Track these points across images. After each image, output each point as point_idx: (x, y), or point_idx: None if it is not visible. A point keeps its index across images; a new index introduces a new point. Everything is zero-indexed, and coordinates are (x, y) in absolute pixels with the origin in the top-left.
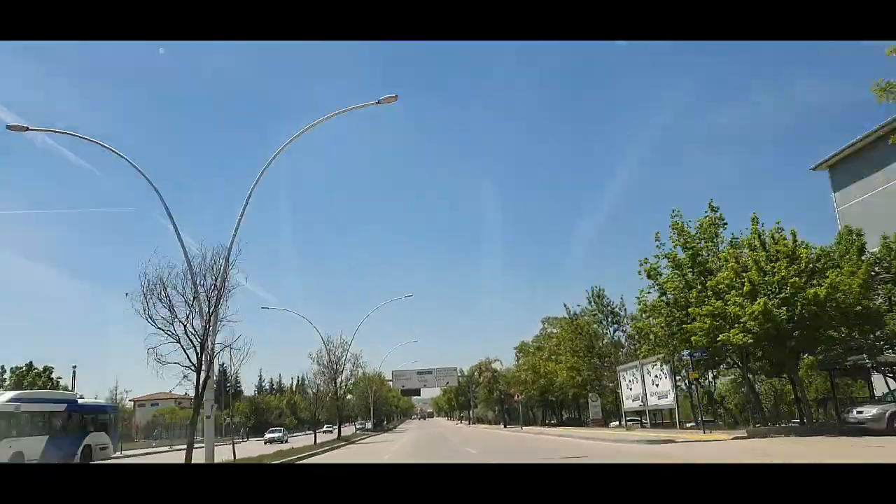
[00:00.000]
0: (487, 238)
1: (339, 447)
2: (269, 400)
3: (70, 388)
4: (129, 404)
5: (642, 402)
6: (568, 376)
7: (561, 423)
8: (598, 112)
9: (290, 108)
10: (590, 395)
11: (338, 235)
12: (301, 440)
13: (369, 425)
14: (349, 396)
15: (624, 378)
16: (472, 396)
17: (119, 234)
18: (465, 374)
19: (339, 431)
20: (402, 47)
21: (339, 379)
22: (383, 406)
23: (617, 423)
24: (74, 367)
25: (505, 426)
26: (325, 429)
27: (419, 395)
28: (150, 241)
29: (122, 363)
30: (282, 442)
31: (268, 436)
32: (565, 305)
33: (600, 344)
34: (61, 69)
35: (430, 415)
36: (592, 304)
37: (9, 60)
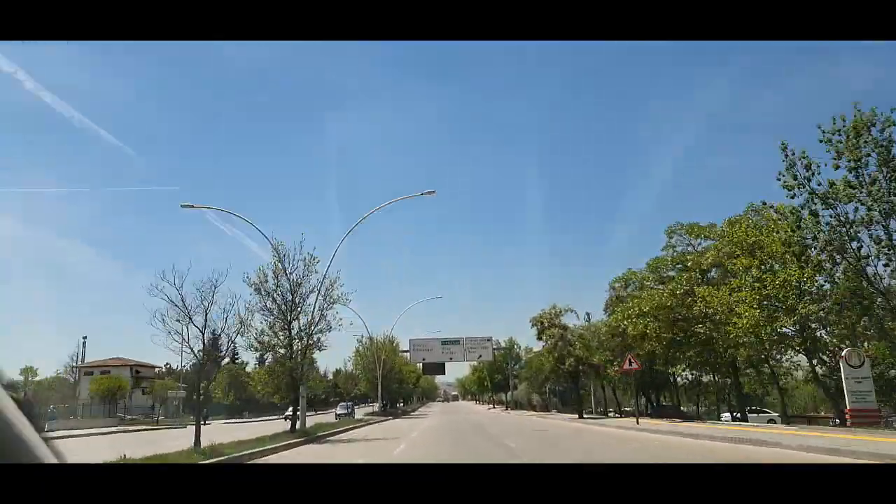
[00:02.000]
0: (530, 215)
1: (260, 454)
2: (255, 373)
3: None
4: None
5: None
6: (760, 316)
7: (659, 413)
8: (642, 97)
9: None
10: (850, 351)
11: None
12: (209, 433)
13: (375, 407)
14: (315, 359)
15: None
16: (511, 373)
17: (153, 214)
18: (503, 346)
19: (296, 420)
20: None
21: (299, 322)
22: (395, 383)
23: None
24: (84, 337)
25: (580, 416)
26: (287, 413)
27: (443, 372)
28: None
29: (138, 337)
30: None
31: None
32: (785, 152)
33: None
34: (88, 47)
35: (455, 398)
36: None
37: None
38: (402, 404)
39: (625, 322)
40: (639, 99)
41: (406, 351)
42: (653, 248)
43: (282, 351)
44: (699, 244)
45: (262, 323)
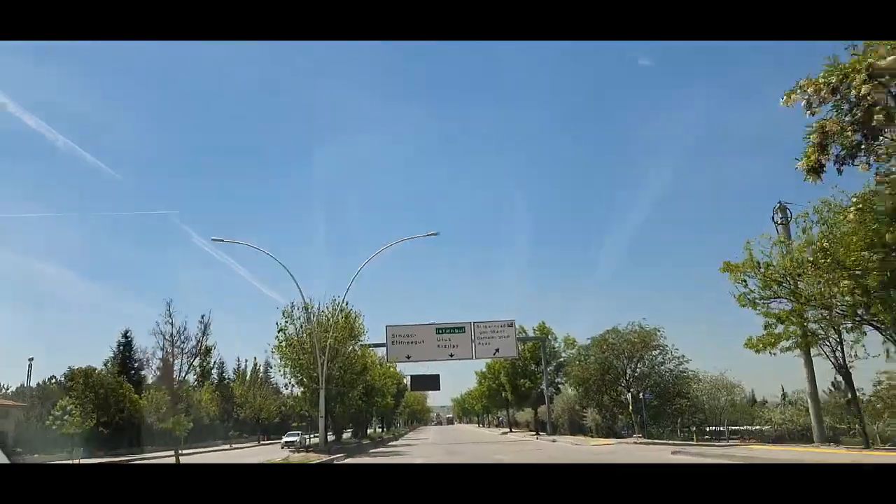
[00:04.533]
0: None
1: None
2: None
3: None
4: None
5: None
6: None
7: None
8: (630, 117)
9: (302, 105)
10: None
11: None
12: None
13: (310, 439)
14: None
15: None
16: (546, 375)
17: (139, 238)
18: (534, 333)
19: None
20: (424, 46)
21: None
22: (359, 391)
23: None
24: (31, 359)
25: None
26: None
27: (437, 386)
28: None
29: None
30: None
31: None
32: None
33: None
34: (75, 69)
35: (451, 420)
36: None
37: (27, 61)
38: (381, 429)
39: None
40: (626, 120)
41: (379, 345)
42: (639, 275)
43: None
44: None
45: None
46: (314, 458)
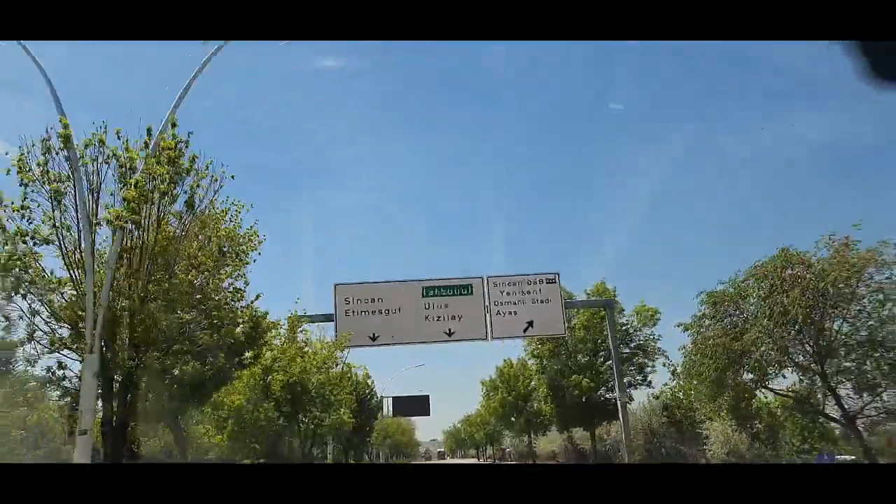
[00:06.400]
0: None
1: None
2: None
3: None
4: None
5: None
6: None
7: None
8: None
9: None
10: None
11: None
12: None
13: None
14: None
15: None
16: (615, 359)
17: None
18: (588, 295)
19: None
20: (407, 51)
21: None
22: (193, 363)
23: None
24: None
25: None
26: None
27: (426, 411)
28: None
29: None
30: None
31: None
32: None
33: None
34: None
35: (442, 455)
36: None
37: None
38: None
39: None
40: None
41: (323, 319)
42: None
43: None
44: None
45: None
46: None
